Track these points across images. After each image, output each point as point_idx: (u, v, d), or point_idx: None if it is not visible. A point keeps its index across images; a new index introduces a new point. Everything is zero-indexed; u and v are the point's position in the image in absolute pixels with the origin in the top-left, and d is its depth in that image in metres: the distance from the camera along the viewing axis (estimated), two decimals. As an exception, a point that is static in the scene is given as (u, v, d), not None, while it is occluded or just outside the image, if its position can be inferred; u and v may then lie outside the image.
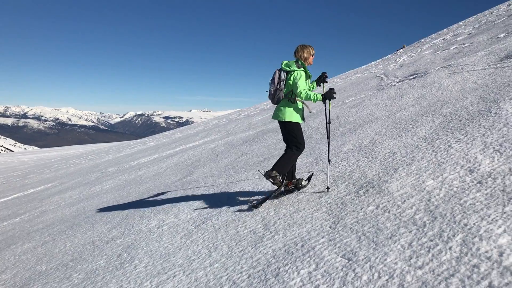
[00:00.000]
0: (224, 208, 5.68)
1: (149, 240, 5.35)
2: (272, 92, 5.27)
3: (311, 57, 5.34)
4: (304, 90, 5.01)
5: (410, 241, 3.18)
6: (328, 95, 5.01)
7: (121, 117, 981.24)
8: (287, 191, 5.52)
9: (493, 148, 4.47)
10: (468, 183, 3.90)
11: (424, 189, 4.12)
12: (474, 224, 3.11)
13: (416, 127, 6.64)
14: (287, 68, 5.19)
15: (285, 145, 5.46)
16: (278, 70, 5.27)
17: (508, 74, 7.83)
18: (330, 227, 4.00)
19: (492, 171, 3.97)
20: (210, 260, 4.11)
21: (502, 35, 13.44)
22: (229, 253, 4.14)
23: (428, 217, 3.49)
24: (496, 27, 16.11)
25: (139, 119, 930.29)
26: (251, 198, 5.85)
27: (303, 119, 5.35)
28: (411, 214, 3.66)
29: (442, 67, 12.06)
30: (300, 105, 5.28)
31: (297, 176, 5.99)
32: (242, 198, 5.97)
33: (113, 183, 11.88)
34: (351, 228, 3.79)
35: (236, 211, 5.38)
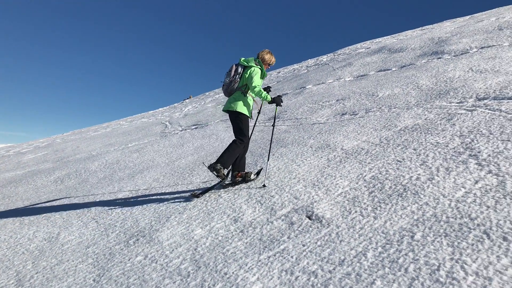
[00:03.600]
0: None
1: None
2: (227, 83, 5.53)
3: (268, 64, 5.73)
4: (258, 86, 5.38)
5: (173, 292, 3.16)
6: (277, 100, 5.58)
7: None
8: (235, 183, 5.63)
9: (256, 199, 4.89)
10: (232, 232, 4.14)
11: (193, 238, 4.22)
12: (233, 273, 3.28)
13: (192, 175, 6.89)
14: (245, 63, 5.53)
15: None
16: (235, 64, 5.56)
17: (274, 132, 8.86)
18: (94, 280, 3.73)
19: (253, 220, 4.32)
20: None
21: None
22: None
23: (193, 267, 3.55)
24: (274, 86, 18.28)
25: None
26: None
27: (250, 115, 5.58)
28: (178, 264, 3.68)
29: (221, 120, 12.99)
30: (250, 101, 5.59)
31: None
32: (-6, 249, 5.15)
33: None
34: (116, 281, 3.61)
35: (-17, 265, 4.60)
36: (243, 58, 5.62)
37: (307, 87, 14.53)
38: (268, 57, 5.71)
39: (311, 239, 3.54)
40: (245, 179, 5.68)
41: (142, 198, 6.19)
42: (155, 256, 3.99)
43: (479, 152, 4.48)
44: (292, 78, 19.48)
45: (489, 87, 7.15)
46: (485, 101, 6.41)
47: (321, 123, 8.45)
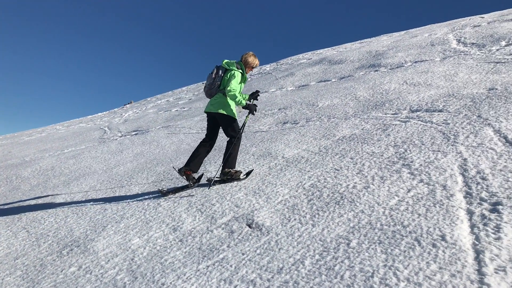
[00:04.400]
0: None
1: None
2: (208, 85, 5.61)
3: (252, 67, 5.71)
4: (234, 90, 5.34)
5: (107, 305, 3.05)
6: (250, 108, 5.54)
7: None
8: (224, 180, 5.59)
9: (196, 207, 4.84)
10: (171, 241, 4.06)
11: (130, 247, 4.10)
12: (170, 283, 3.21)
13: (131, 183, 6.71)
14: (226, 66, 5.54)
15: None
16: (217, 67, 5.60)
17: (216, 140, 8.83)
18: (21, 294, 3.53)
19: (192, 229, 4.26)
20: None
21: (214, 104, 15.26)
22: None
23: (129, 277, 3.45)
24: (211, 97, 18.24)
25: None
26: None
27: (235, 115, 5.61)
28: (113, 275, 3.56)
29: (162, 127, 12.78)
30: (232, 103, 5.56)
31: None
32: None
33: None
34: (46, 294, 3.43)
35: None
36: (226, 60, 5.61)
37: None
38: (252, 60, 5.70)
39: (250, 247, 3.54)
40: (234, 177, 5.58)
41: (77, 207, 5.94)
42: (89, 266, 3.83)
43: (411, 161, 4.68)
44: (235, 86, 19.55)
45: (421, 99, 7.52)
46: (418, 113, 6.73)
47: (263, 131, 8.53)
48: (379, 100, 8.38)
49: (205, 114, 5.89)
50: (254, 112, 5.63)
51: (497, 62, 9.02)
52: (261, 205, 4.44)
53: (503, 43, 10.94)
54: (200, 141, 5.75)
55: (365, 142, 5.88)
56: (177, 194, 5.53)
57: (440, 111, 6.46)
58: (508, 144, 4.52)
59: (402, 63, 12.08)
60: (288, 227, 3.76)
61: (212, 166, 6.74)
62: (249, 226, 4.00)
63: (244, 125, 5.92)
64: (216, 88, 5.58)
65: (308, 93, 11.46)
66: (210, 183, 5.48)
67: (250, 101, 5.89)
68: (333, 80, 12.74)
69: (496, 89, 6.88)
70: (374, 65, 13.06)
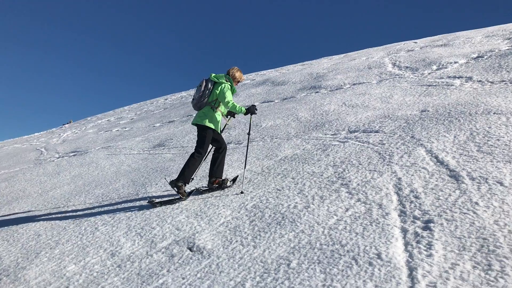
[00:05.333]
0: None
1: None
2: (197, 98, 5.65)
3: (238, 81, 5.93)
4: (231, 101, 5.53)
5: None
6: (251, 110, 5.73)
7: None
8: (212, 189, 5.70)
9: (135, 231, 4.71)
10: (109, 267, 3.92)
11: (65, 275, 3.92)
12: (107, 311, 3.09)
13: (67, 206, 6.45)
14: (215, 79, 5.63)
15: None
16: (206, 80, 5.66)
17: (157, 161, 8.68)
18: None
19: (131, 254, 4.14)
20: None
21: (157, 124, 15.04)
22: None
23: (62, 308, 3.29)
24: (154, 116, 17.98)
25: None
26: None
27: (219, 130, 5.76)
28: (45, 306, 3.38)
29: (102, 148, 12.42)
30: (219, 116, 5.70)
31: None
32: None
33: None
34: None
35: None
36: (213, 74, 5.72)
37: (194, 115, 14.58)
38: (239, 75, 5.93)
39: (191, 271, 3.49)
40: (222, 185, 5.69)
41: (8, 233, 5.61)
42: (19, 298, 3.62)
43: (349, 181, 4.83)
44: (180, 105, 19.43)
45: (359, 120, 7.80)
46: (356, 133, 6.96)
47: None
48: (320, 121, 8.60)
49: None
50: (256, 111, 5.84)
51: (429, 85, 9.54)
52: (202, 227, 4.39)
53: (434, 67, 11.59)
54: (191, 153, 5.79)
55: (306, 162, 5.99)
56: (167, 206, 5.45)
57: (377, 132, 6.72)
58: (439, 163, 4.76)
59: (341, 85, 12.50)
60: (230, 249, 3.74)
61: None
62: (190, 249, 3.94)
63: (250, 125, 6.29)
64: (205, 101, 5.66)
65: (252, 114, 11.56)
66: (197, 192, 5.68)
67: (228, 117, 6.17)
68: (276, 101, 12.96)
69: (428, 111, 7.26)
70: (315, 86, 13.42)
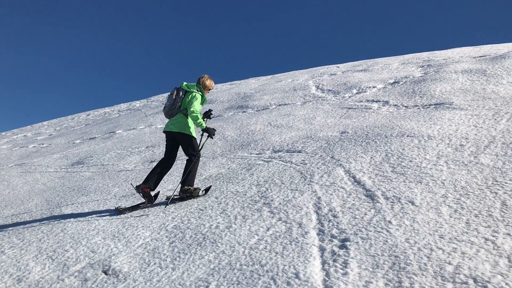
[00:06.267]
0: None
1: None
2: (168, 106, 5.76)
3: (209, 89, 6.06)
4: (197, 111, 5.61)
5: None
6: (210, 131, 5.81)
7: None
8: (182, 198, 5.59)
9: (47, 254, 4.41)
10: (13, 295, 3.63)
11: (-39, 305, 3.56)
12: None
13: (-29, 229, 5.92)
14: (187, 88, 5.76)
15: None
16: (177, 88, 5.79)
17: (75, 179, 8.26)
18: None
19: (41, 279, 3.87)
20: None
21: (78, 141, 14.38)
22: None
23: None
24: (74, 132, 17.18)
25: None
26: None
27: (194, 135, 5.80)
28: None
29: (16, 165, 11.63)
30: (191, 122, 5.72)
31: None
32: None
33: None
34: None
35: None
36: (185, 83, 5.83)
37: (117, 132, 14.14)
38: (209, 83, 6.05)
39: (104, 296, 3.31)
40: (193, 194, 5.59)
41: None
42: None
43: (272, 200, 4.87)
44: (103, 121, 18.76)
45: (283, 140, 7.95)
46: (280, 153, 7.08)
47: (128, 170, 8.23)
48: (246, 140, 8.66)
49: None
50: (213, 136, 5.92)
51: (349, 108, 9.96)
52: (119, 249, 4.21)
53: (355, 91, 12.15)
54: (158, 161, 5.91)
55: (230, 181, 5.98)
56: (133, 213, 5.38)
57: (299, 151, 6.87)
58: (356, 183, 4.94)
59: (268, 106, 12.72)
60: (147, 272, 3.61)
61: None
62: (105, 273, 3.75)
63: (202, 147, 6.13)
64: (177, 108, 5.75)
65: (177, 132, 11.40)
66: (168, 200, 5.52)
67: (204, 120, 5.97)
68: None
69: (348, 132, 7.56)
70: (242, 106, 13.55)
